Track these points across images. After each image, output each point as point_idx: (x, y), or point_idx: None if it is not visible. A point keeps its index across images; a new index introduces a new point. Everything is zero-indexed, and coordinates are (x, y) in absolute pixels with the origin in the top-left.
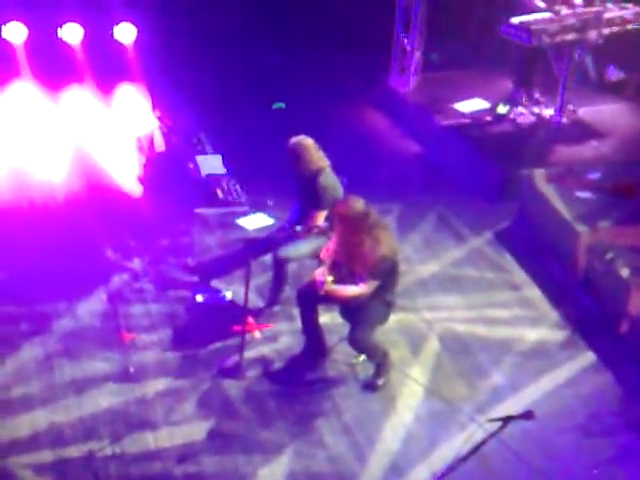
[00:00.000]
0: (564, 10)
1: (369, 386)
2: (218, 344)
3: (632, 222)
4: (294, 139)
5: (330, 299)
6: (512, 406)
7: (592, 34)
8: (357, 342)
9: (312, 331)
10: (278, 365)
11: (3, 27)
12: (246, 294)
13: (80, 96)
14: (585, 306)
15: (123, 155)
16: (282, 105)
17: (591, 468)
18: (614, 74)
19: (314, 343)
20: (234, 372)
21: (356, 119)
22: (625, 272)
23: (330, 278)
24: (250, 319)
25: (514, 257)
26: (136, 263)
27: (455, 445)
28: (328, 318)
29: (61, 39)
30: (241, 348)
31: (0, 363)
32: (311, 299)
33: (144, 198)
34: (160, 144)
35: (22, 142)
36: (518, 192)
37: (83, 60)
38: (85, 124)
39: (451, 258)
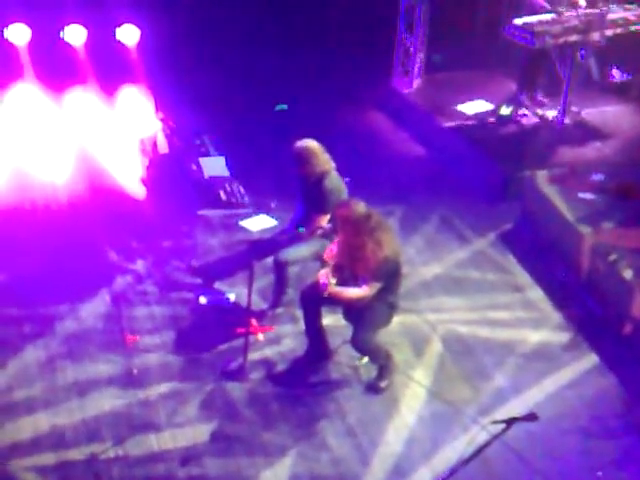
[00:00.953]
0: (567, 11)
1: (372, 388)
2: (221, 346)
3: (635, 223)
4: (300, 143)
5: (333, 301)
6: (515, 408)
7: (595, 35)
8: (360, 344)
9: (315, 333)
10: (281, 367)
11: (5, 29)
12: (249, 296)
13: (83, 98)
14: (588, 308)
15: (126, 157)
16: (285, 107)
17: (594, 470)
18: (617, 75)
19: (317, 345)
20: (237, 374)
21: (359, 120)
22: (628, 273)
23: (333, 280)
24: (253, 321)
25: (517, 258)
26: (139, 265)
27: (458, 447)
28: (331, 320)
29: (64, 40)
30: (244, 350)
31: (2, 365)
32: (314, 301)
33: (147, 200)
34: (163, 146)
35: (25, 144)
36: (521, 193)
37: (86, 62)
38: (88, 126)
39: (454, 260)
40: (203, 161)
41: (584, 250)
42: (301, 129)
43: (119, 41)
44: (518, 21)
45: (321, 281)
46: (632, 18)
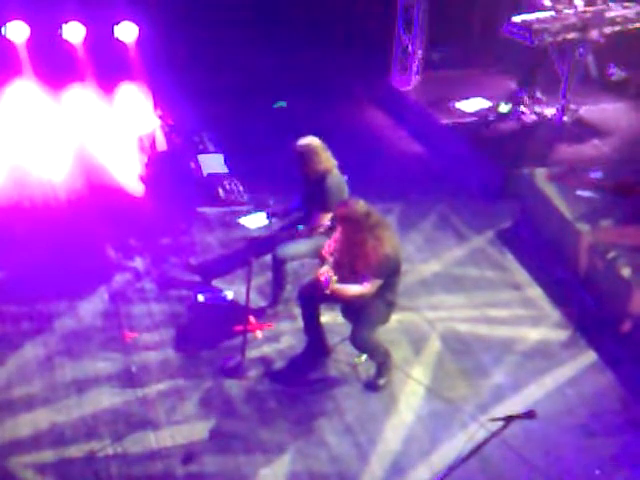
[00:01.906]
0: (566, 9)
1: (371, 386)
2: (220, 344)
3: (633, 221)
4: (302, 140)
5: (332, 299)
6: (514, 406)
7: (594, 33)
8: (359, 341)
9: (314, 331)
10: (280, 365)
11: (4, 27)
12: (247, 294)
13: (82, 95)
14: (586, 305)
15: (125, 154)
16: (283, 104)
17: (593, 468)
18: (616, 73)
19: (316, 343)
20: (236, 372)
21: (357, 118)
22: (627, 271)
23: (335, 277)
24: (252, 319)
25: (515, 256)
26: (138, 262)
27: (457, 445)
28: (330, 318)
29: (63, 38)
30: (243, 348)
31: (2, 362)
32: (313, 299)
33: (146, 197)
34: (162, 143)
35: (23, 141)
36: (519, 191)
37: (85, 59)
38: (87, 123)
39: (452, 257)
40: (202, 158)
41: (582, 248)
42: (300, 126)
43: (117, 38)
44: (516, 19)
45: (323, 278)
46: (631, 16)
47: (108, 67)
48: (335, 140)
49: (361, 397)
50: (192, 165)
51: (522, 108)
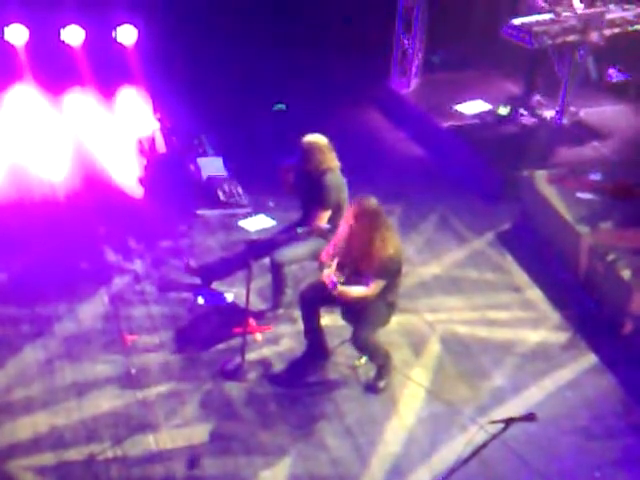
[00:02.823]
0: (566, 11)
1: (370, 388)
2: (219, 346)
3: (633, 223)
4: (310, 136)
5: (333, 302)
6: (514, 408)
7: (594, 35)
8: (360, 342)
9: (314, 334)
10: (280, 367)
11: (5, 29)
12: (247, 296)
13: (81, 98)
14: (586, 308)
15: (124, 157)
16: (283, 106)
17: (593, 470)
18: (615, 75)
19: (316, 345)
20: (235, 374)
21: (357, 121)
22: (626, 273)
23: (341, 279)
24: (251, 321)
25: (515, 258)
26: (138, 265)
27: (456, 447)
28: (329, 320)
29: (63, 41)
30: (242, 350)
31: (1, 366)
32: (314, 302)
33: (145, 200)
34: (161, 146)
35: (23, 144)
36: (519, 193)
37: (84, 62)
38: (86, 126)
39: (452, 259)
40: (201, 161)
41: (582, 250)
42: (299, 129)
43: (117, 41)
44: (516, 21)
45: (329, 280)
46: (630, 18)
47: (107, 70)
48: (335, 142)
49: (361, 400)
50: (192, 168)
51: (522, 110)
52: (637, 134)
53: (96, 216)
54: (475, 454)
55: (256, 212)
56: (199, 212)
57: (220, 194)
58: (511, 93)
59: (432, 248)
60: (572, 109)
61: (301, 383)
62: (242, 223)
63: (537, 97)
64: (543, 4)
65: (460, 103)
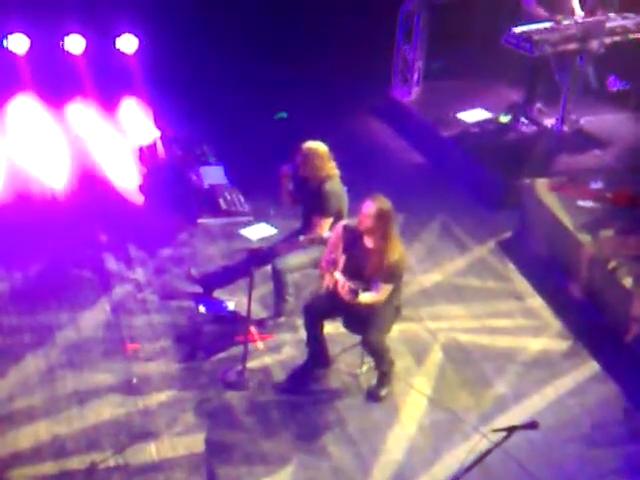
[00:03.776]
0: (566, 20)
1: (372, 396)
2: (221, 354)
3: (634, 231)
4: (310, 143)
5: (338, 313)
6: (516, 416)
7: (594, 44)
8: (373, 344)
9: (316, 342)
10: (281, 376)
11: (4, 40)
12: (249, 304)
13: (83, 106)
14: (588, 315)
15: (126, 165)
16: (284, 115)
17: (595, 478)
18: (616, 84)
19: (318, 354)
20: (237, 383)
21: (358, 129)
22: (628, 281)
23: (361, 287)
24: (253, 329)
25: (517, 266)
26: (139, 273)
27: (459, 455)
28: (331, 328)
29: (64, 50)
30: (244, 358)
31: (3, 374)
32: (320, 314)
33: (147, 208)
34: (162, 154)
35: (24, 152)
36: (520, 201)
37: (86, 71)
38: (88, 134)
39: (454, 267)
40: (203, 170)
41: (584, 258)
42: (300, 138)
43: (119, 50)
44: (517, 30)
45: (347, 289)
46: (631, 26)
47: (109, 79)
48: (336, 150)
49: (363, 408)
50: (193, 176)
51: (522, 119)
52: (638, 142)
53: (98, 224)
54: (477, 462)
55: (257, 220)
56: (200, 221)
57: (221, 202)
58: (512, 101)
59: (433, 256)
60: (573, 117)
61: (303, 391)
62: (243, 231)
63: (538, 105)
64: (544, 12)
65: (461, 111)
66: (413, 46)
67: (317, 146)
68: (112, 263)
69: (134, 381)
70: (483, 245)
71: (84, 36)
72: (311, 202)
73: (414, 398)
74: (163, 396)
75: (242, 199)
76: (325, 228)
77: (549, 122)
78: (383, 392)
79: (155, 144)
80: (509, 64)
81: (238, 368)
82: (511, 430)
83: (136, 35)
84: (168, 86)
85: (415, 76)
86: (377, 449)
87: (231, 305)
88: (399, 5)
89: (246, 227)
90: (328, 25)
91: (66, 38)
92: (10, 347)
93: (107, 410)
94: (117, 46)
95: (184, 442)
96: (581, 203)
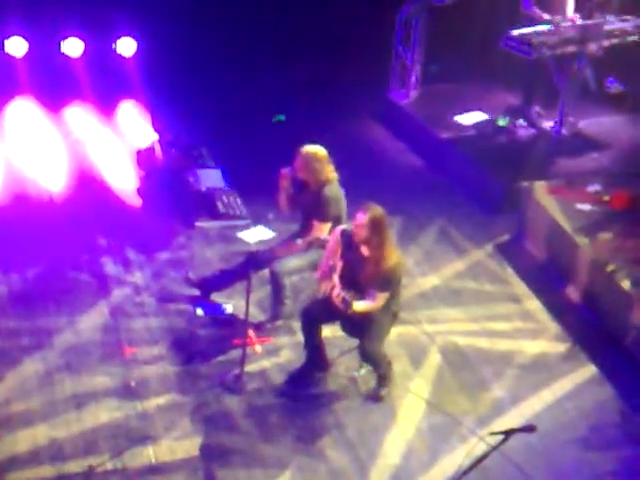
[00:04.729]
0: (564, 22)
1: (372, 397)
2: (219, 358)
3: (633, 234)
4: (308, 147)
5: (335, 318)
6: (513, 419)
7: (592, 46)
8: (370, 354)
9: (314, 346)
10: (279, 379)
11: (6, 41)
12: (247, 307)
13: (81, 109)
14: (586, 318)
15: (124, 169)
16: (282, 118)
17: None
18: (614, 86)
19: (315, 357)
20: (235, 386)
21: (356, 132)
22: (626, 284)
23: (354, 297)
24: (251, 333)
25: (515, 269)
26: (137, 277)
27: (456, 459)
28: (329, 331)
29: (62, 53)
30: (242, 362)
31: (1, 378)
32: (317, 319)
33: (144, 212)
34: (161, 158)
35: (23, 155)
36: (519, 204)
37: (84, 74)
38: (86, 137)
39: (452, 271)
40: (201, 173)
41: (582, 261)
42: (298, 140)
43: (117, 53)
44: (515, 32)
45: (340, 298)
46: (629, 29)
47: (107, 82)
48: (335, 153)
49: (361, 411)
50: (191, 180)
51: (521, 121)
52: (636, 145)
53: (95, 228)
54: (475, 465)
55: (255, 224)
56: (198, 224)
57: (219, 206)
58: (510, 104)
59: (431, 259)
60: (571, 120)
61: (301, 395)
62: (241, 235)
63: (536, 108)
64: (542, 15)
65: (459, 114)
66: (411, 49)
67: (316, 150)
68: (110, 266)
69: (132, 384)
70: (481, 248)
71: (82, 39)
72: (310, 206)
73: (412, 401)
74: (161, 399)
75: (240, 202)
76: (324, 233)
77: (547, 125)
78: (383, 392)
79: (153, 147)
80: (507, 67)
81: (236, 371)
82: (509, 433)
83: (134, 38)
84: (166, 89)
85: (413, 79)
86: (375, 452)
87: (229, 308)
88: (397, 8)
89: (244, 230)
90: (327, 28)
91: (64, 41)
92: (8, 350)
93: (105, 413)
94: (115, 49)
95: (182, 446)
96: (579, 206)
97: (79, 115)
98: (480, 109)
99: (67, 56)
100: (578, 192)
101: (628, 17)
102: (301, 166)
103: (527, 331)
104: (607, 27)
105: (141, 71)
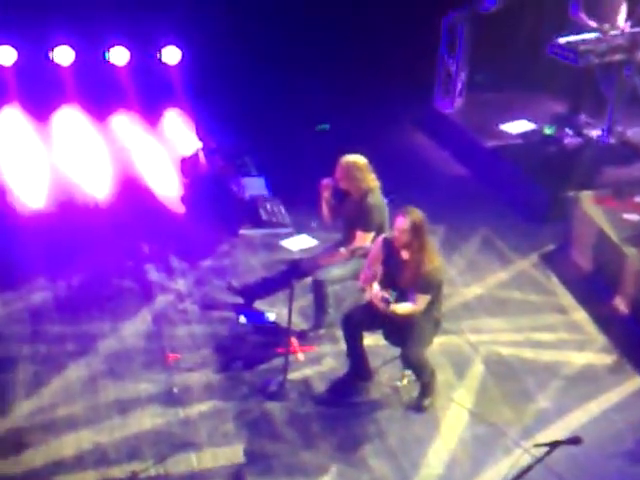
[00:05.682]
0: (612, 30)
1: (415, 407)
2: (261, 365)
3: None
4: (349, 156)
5: (377, 325)
6: (558, 431)
7: None
8: (411, 359)
9: (357, 354)
10: (322, 387)
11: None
12: (289, 315)
13: (126, 118)
14: (633, 330)
15: (168, 176)
16: (326, 127)
17: None
18: None
19: (358, 366)
20: (277, 394)
21: (400, 141)
22: None
23: (394, 295)
24: (294, 341)
25: (560, 280)
26: (180, 284)
27: (500, 470)
28: (371, 340)
29: (108, 62)
30: (284, 370)
31: (46, 383)
32: (359, 325)
33: (188, 219)
34: (204, 166)
35: (68, 163)
36: (564, 214)
37: (129, 83)
38: (131, 145)
39: (496, 280)
40: (244, 181)
41: (629, 271)
42: (342, 149)
43: (162, 62)
44: (562, 40)
45: (380, 297)
46: None
47: (152, 90)
48: (378, 162)
49: (404, 420)
50: (234, 187)
51: (567, 130)
52: None
53: (139, 235)
54: (519, 477)
55: (298, 232)
56: (242, 231)
57: (262, 213)
58: (556, 112)
59: (475, 269)
60: (619, 128)
61: (343, 403)
62: (284, 243)
63: (583, 116)
64: (590, 22)
65: (505, 123)
66: (456, 57)
67: (356, 159)
68: (154, 273)
69: (175, 391)
70: (526, 258)
71: (128, 48)
72: (352, 216)
73: (455, 411)
74: (204, 406)
75: (283, 210)
76: (367, 242)
77: (594, 133)
78: (426, 402)
79: (197, 155)
80: (554, 75)
81: (279, 379)
82: (554, 445)
83: (179, 47)
84: (210, 97)
85: (458, 87)
86: (417, 462)
87: (272, 316)
88: (443, 15)
89: (287, 238)
90: (371, 36)
91: (110, 50)
92: (53, 356)
93: (148, 420)
94: (160, 58)
95: (224, 452)
96: (626, 216)
97: (124, 123)
98: (526, 118)
99: (113, 65)
100: (625, 202)
101: None
102: (342, 176)
103: (573, 342)
104: None
105: (185, 79)
